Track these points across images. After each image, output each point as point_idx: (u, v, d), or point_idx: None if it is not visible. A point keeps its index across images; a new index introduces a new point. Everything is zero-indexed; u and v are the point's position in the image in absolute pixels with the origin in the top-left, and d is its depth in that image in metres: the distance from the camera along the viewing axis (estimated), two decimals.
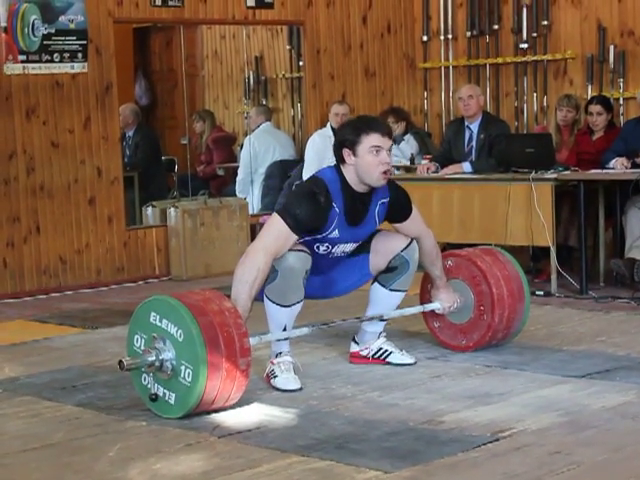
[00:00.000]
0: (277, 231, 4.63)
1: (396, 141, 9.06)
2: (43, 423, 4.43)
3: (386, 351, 5.15)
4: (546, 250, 7.06)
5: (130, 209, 8.63)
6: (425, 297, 5.42)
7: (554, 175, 6.99)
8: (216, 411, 4.40)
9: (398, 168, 8.93)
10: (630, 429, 4.04)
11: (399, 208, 4.98)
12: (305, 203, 4.66)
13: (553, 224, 6.92)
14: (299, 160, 9.11)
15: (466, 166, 7.71)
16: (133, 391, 4.80)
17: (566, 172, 7.07)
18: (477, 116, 7.90)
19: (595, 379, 4.75)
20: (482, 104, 8.04)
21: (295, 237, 4.65)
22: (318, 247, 4.80)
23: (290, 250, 4.67)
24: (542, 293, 6.93)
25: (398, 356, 5.15)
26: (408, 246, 5.01)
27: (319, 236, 4.76)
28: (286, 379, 4.75)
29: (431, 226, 7.34)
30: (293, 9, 9.08)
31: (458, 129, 8.01)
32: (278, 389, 4.74)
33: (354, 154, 4.73)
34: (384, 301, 5.09)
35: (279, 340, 4.83)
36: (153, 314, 4.39)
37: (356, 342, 5.21)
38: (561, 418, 4.18)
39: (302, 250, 4.72)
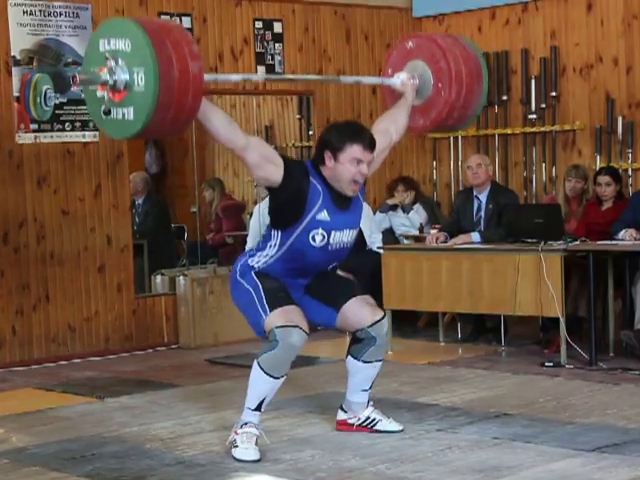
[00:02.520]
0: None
1: (405, 210, 9.11)
2: None
3: (374, 420, 5.20)
4: (555, 321, 7.05)
5: (139, 277, 8.67)
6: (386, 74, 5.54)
7: (563, 246, 7.00)
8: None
9: (407, 237, 8.97)
10: None
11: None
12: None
13: (562, 295, 6.91)
14: None
15: (475, 236, 7.73)
16: (141, 462, 4.80)
17: (575, 243, 7.08)
18: (486, 185, 7.95)
19: (605, 453, 4.72)
20: (491, 174, 8.10)
21: (277, 157, 4.74)
22: (314, 238, 4.83)
23: (295, 327, 4.73)
24: (552, 364, 6.91)
25: (385, 424, 5.19)
26: (375, 323, 5.03)
27: (307, 219, 4.78)
28: (245, 449, 4.78)
29: (440, 296, 7.54)
30: None
31: (467, 199, 8.06)
32: (236, 459, 4.77)
33: (335, 159, 4.83)
34: (361, 373, 5.13)
35: (251, 410, 4.86)
36: (102, 41, 4.51)
37: (344, 410, 5.25)
38: None
39: (305, 331, 4.77)
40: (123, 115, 4.46)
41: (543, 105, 9.06)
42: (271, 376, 4.77)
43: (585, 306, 7.12)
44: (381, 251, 8.06)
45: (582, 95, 8.88)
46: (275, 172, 4.73)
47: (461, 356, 7.57)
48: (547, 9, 9.04)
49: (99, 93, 4.55)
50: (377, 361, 5.11)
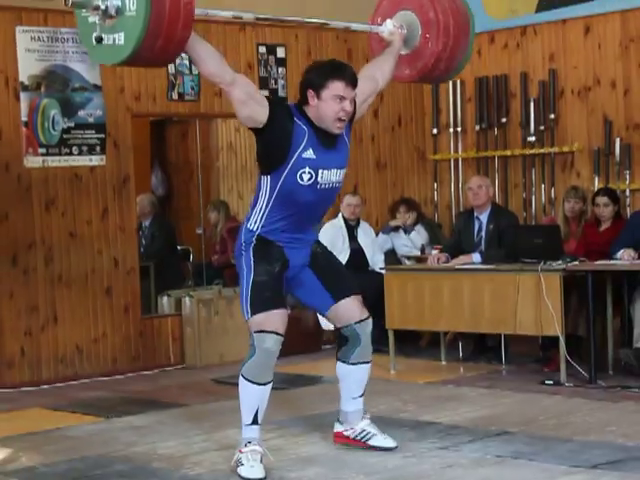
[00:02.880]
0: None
1: (407, 231, 9.20)
2: None
3: (369, 433, 5.22)
4: (555, 339, 7.09)
5: (146, 298, 8.72)
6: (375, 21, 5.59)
7: (562, 266, 7.05)
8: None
9: (409, 258, 9.05)
10: None
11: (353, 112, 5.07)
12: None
13: (562, 314, 6.96)
14: None
15: (475, 257, 7.81)
16: None
17: (574, 263, 7.13)
18: (486, 206, 8.05)
19: (605, 470, 4.74)
20: (491, 195, 8.20)
21: (263, 98, 4.80)
22: (302, 176, 4.84)
23: (270, 332, 4.82)
24: (552, 382, 6.97)
25: (380, 439, 5.21)
26: (362, 321, 5.12)
27: (293, 158, 4.81)
28: (251, 468, 4.82)
29: (442, 315, 7.55)
30: None
31: (467, 220, 8.15)
32: (242, 477, 4.82)
33: (318, 97, 4.86)
34: (350, 376, 5.18)
35: (248, 425, 4.91)
36: None
37: (340, 422, 5.29)
38: None
39: (279, 334, 4.85)
40: (114, 40, 4.51)
41: (542, 127, 9.13)
42: (256, 383, 4.85)
43: (584, 325, 7.16)
44: (383, 272, 8.13)
45: (580, 117, 8.96)
46: (261, 111, 4.77)
47: (463, 375, 7.63)
48: (545, 33, 9.13)
49: (91, 19, 4.59)
50: (364, 363, 5.16)
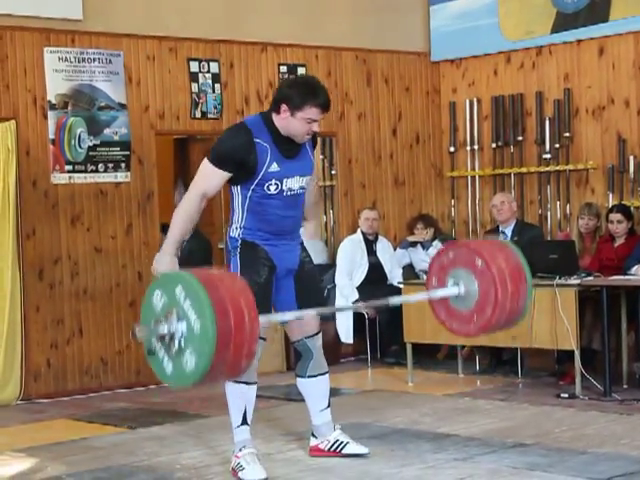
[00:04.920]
0: (204, 172, 4.99)
1: (425, 247, 9.33)
2: None
3: (342, 442, 5.34)
4: (570, 353, 7.17)
5: None
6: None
7: (577, 281, 7.14)
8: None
9: (427, 273, 9.15)
10: None
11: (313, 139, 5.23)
12: (225, 139, 5.03)
13: (577, 328, 7.04)
14: (332, 265, 9.35)
15: None
16: None
17: (589, 278, 7.22)
18: (510, 221, 8.28)
19: None
20: (515, 210, 8.39)
21: (224, 173, 4.96)
22: (269, 188, 5.02)
23: None
24: (567, 395, 7.05)
25: (353, 447, 5.34)
26: (313, 336, 5.26)
27: (260, 175, 4.98)
28: (253, 470, 4.99)
29: None
30: (326, 121, 9.30)
31: (494, 235, 8.33)
32: None
33: (291, 114, 5.01)
34: (311, 389, 5.32)
35: (239, 427, 5.09)
36: (180, 288, 4.17)
37: (314, 436, 5.42)
38: None
39: (261, 337, 4.89)
40: (163, 359, 4.28)
41: (557, 145, 9.24)
42: (240, 382, 5.01)
43: (599, 339, 7.25)
44: (401, 286, 8.25)
45: (594, 136, 9.07)
46: (226, 177, 4.97)
47: (479, 387, 7.71)
48: (560, 53, 9.25)
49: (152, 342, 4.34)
50: (321, 375, 5.30)
